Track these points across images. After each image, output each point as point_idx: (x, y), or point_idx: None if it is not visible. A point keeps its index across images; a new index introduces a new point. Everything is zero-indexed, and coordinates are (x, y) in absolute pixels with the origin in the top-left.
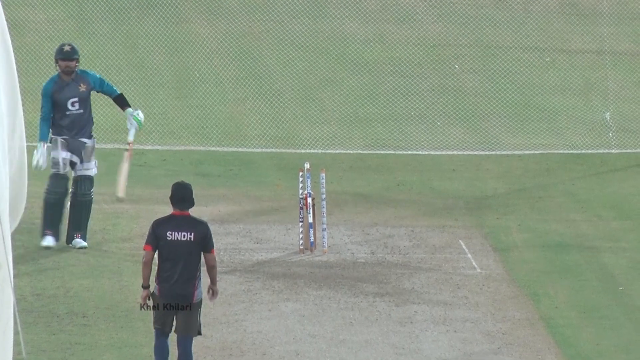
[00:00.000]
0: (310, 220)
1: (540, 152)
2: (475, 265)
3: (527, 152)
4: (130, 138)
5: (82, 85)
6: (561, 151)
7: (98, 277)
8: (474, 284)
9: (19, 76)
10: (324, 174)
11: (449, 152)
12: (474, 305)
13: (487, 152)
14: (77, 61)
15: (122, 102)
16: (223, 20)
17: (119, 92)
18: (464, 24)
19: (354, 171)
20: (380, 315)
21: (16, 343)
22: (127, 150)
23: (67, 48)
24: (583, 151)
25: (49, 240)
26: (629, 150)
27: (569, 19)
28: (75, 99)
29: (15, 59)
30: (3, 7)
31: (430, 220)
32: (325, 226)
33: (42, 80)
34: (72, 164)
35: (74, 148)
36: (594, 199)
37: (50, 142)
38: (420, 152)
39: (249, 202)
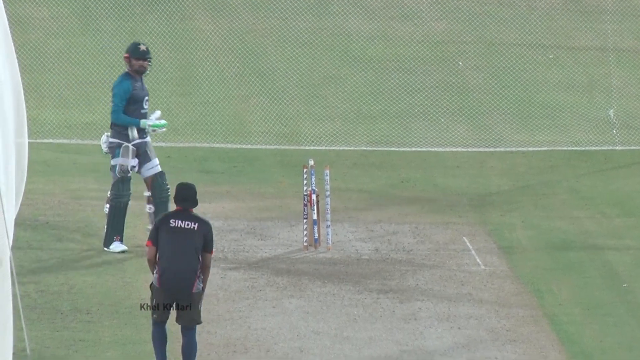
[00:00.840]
0: (315, 217)
1: (544, 149)
2: (479, 262)
3: (531, 149)
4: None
5: (144, 84)
6: (565, 148)
7: (102, 273)
8: (478, 281)
9: (22, 73)
10: (328, 171)
11: (453, 149)
12: (477, 302)
13: (491, 149)
14: (150, 61)
15: None
16: (227, 17)
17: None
18: (467, 21)
19: (358, 168)
20: (384, 312)
21: (20, 339)
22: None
23: (143, 47)
24: (587, 148)
25: (119, 246)
26: (633, 147)
27: (573, 15)
28: (147, 98)
29: (19, 55)
30: (7, 3)
31: (434, 217)
32: (329, 223)
33: (47, 76)
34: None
35: (140, 153)
36: (598, 196)
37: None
38: (424, 149)
39: (253, 199)
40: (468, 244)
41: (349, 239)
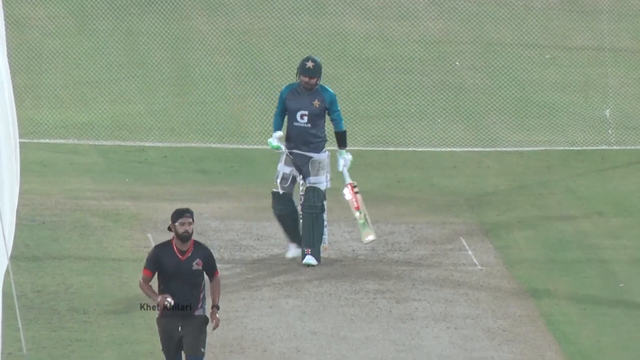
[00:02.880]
0: None
1: (541, 148)
2: (476, 262)
3: (527, 148)
4: (347, 180)
5: (316, 101)
6: (561, 148)
7: (99, 273)
8: (475, 281)
9: (19, 73)
10: None
11: (450, 149)
12: (474, 301)
13: (487, 149)
14: (319, 79)
15: (340, 139)
16: (224, 16)
17: (343, 129)
18: (464, 21)
19: (355, 168)
20: (380, 311)
21: (16, 340)
22: (350, 190)
23: (309, 65)
24: (583, 148)
25: (293, 252)
26: (629, 147)
27: (569, 15)
28: (305, 112)
29: (16, 56)
30: (3, 4)
31: (431, 217)
32: (326, 223)
33: (43, 76)
34: (294, 179)
35: (297, 163)
36: (595, 195)
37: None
38: (420, 149)
39: (250, 199)
40: (464, 243)
41: (345, 239)
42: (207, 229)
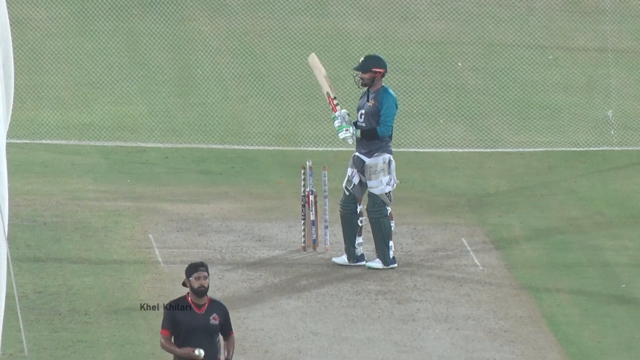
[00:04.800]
0: (313, 217)
1: (543, 149)
2: (478, 263)
3: (529, 149)
4: (336, 122)
5: (372, 100)
6: (563, 149)
7: (100, 274)
8: (476, 282)
9: (20, 74)
10: (326, 172)
11: (451, 150)
12: (476, 302)
13: (489, 150)
14: (372, 73)
15: (366, 133)
16: (225, 18)
17: (378, 130)
18: (466, 22)
19: None
20: (382, 312)
21: (18, 340)
22: (329, 95)
23: (362, 60)
24: (585, 149)
25: (339, 258)
26: (631, 148)
27: (572, 16)
28: (362, 111)
29: (17, 56)
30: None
31: (433, 218)
32: (327, 224)
33: (44, 77)
34: (361, 182)
35: (356, 165)
36: (596, 196)
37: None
38: (422, 150)
39: (251, 200)
40: (466, 244)
41: None
42: (209, 229)
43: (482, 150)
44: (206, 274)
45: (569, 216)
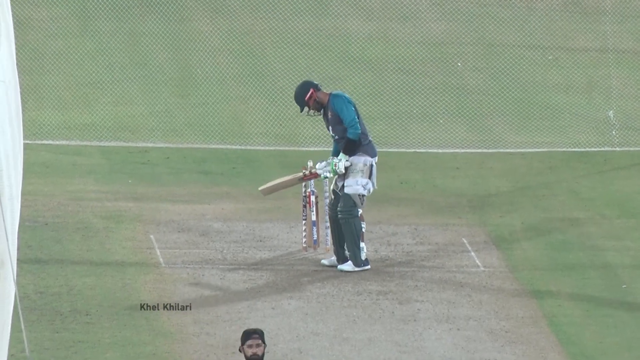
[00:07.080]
0: (314, 218)
1: (544, 150)
2: (479, 263)
3: (530, 150)
4: (318, 171)
5: (329, 112)
6: (564, 149)
7: (101, 275)
8: (478, 282)
9: (21, 75)
10: None
11: (452, 150)
12: (477, 303)
13: (490, 150)
14: (308, 101)
15: (345, 146)
16: (226, 17)
17: (349, 136)
18: (467, 22)
19: None
20: (383, 313)
21: (19, 341)
22: (304, 174)
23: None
24: (586, 149)
25: (327, 259)
26: (632, 148)
27: (572, 16)
28: (330, 127)
29: (18, 57)
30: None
31: (434, 219)
32: (328, 224)
33: (45, 78)
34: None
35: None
36: (598, 197)
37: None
38: (423, 150)
39: (252, 200)
40: (467, 245)
41: None
42: (210, 230)
43: (483, 150)
44: (259, 341)
45: (570, 217)
